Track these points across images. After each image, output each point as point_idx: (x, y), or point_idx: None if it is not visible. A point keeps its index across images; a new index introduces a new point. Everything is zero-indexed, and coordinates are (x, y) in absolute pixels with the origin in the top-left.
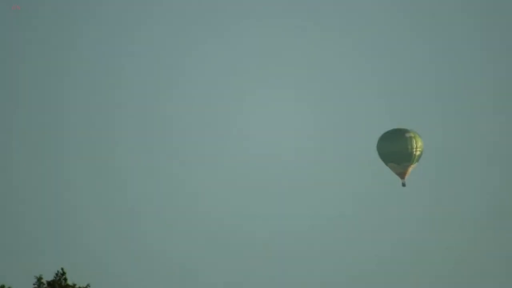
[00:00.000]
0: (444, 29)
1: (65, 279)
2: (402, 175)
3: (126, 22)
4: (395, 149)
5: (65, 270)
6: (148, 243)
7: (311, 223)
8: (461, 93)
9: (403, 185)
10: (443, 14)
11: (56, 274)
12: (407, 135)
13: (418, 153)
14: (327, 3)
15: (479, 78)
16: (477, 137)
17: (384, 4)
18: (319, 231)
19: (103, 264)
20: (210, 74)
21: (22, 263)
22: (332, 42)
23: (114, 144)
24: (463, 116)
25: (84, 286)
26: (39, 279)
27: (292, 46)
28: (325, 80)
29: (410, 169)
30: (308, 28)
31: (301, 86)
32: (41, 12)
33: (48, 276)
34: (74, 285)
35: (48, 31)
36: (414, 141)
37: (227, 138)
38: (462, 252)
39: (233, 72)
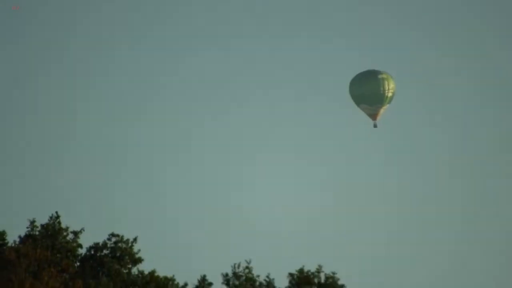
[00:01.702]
0: None
1: (59, 223)
2: (374, 116)
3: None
4: (367, 90)
5: (59, 213)
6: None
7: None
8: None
9: (375, 126)
10: None
11: (50, 217)
12: (379, 76)
13: (390, 94)
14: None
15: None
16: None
17: None
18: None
19: (96, 209)
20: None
21: (15, 206)
22: None
23: None
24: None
25: (78, 230)
26: (32, 222)
27: None
28: None
29: (382, 110)
30: None
31: None
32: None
33: (42, 219)
34: (67, 228)
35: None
36: (387, 83)
37: None
38: (427, 195)
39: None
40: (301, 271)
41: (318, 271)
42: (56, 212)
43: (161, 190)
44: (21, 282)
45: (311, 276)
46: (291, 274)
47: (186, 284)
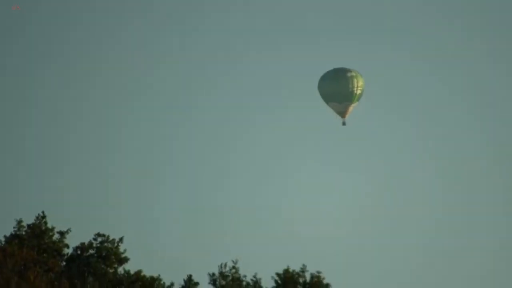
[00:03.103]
0: None
1: (45, 223)
2: (343, 114)
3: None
4: (336, 88)
5: (45, 213)
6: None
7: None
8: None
9: (344, 124)
10: None
11: (37, 217)
12: (348, 74)
13: (359, 92)
14: None
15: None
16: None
17: None
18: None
19: (83, 209)
20: None
21: (2, 206)
22: None
23: None
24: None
25: (64, 230)
26: (19, 222)
27: None
28: None
29: (351, 108)
30: None
31: None
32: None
33: (29, 219)
34: (54, 228)
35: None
36: (355, 80)
37: None
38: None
39: None
40: (286, 271)
41: (303, 270)
42: (43, 212)
43: (147, 190)
44: (7, 281)
45: (296, 276)
46: (277, 274)
47: (172, 284)
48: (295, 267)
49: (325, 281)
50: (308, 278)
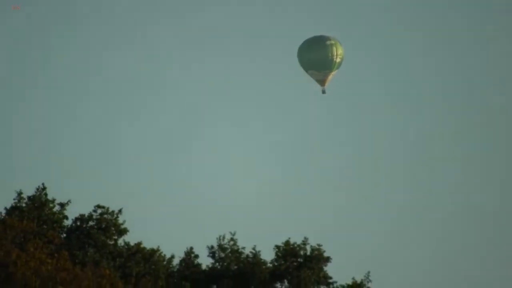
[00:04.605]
0: None
1: (46, 194)
2: (322, 82)
3: None
4: (316, 56)
5: (45, 185)
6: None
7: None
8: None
9: (323, 92)
10: None
11: (37, 189)
12: (328, 42)
13: (338, 60)
14: None
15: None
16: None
17: None
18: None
19: (82, 180)
20: None
21: (2, 178)
22: None
23: None
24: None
25: (65, 202)
26: (19, 194)
27: None
28: None
29: (331, 76)
30: None
31: None
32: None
33: (29, 191)
34: (54, 200)
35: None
36: (335, 48)
37: None
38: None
39: None
40: (287, 243)
41: (304, 243)
42: (43, 184)
43: (146, 161)
44: (7, 253)
45: (297, 249)
46: (277, 246)
47: (173, 256)
48: (297, 239)
49: (325, 254)
50: (308, 251)
